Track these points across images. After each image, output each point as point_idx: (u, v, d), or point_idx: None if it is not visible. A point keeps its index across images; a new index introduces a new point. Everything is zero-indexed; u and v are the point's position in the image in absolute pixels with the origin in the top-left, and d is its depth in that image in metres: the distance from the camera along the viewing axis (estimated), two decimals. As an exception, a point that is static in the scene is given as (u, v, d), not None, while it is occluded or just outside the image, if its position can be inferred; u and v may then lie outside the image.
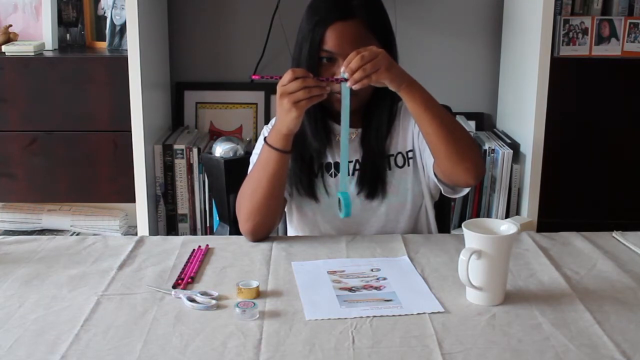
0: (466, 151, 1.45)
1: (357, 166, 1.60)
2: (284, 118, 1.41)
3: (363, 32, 1.50)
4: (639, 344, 1.09)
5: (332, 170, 1.61)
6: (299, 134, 1.49)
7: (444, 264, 1.38)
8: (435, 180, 1.56)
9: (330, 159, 1.62)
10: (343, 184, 1.45)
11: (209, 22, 2.74)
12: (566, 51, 2.37)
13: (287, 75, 1.39)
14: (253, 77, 1.51)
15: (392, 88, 1.41)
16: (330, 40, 1.49)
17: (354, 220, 1.60)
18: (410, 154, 1.61)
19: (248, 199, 1.51)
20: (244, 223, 1.51)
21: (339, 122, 1.54)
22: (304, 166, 1.60)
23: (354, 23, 1.50)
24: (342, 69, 1.40)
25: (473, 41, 2.75)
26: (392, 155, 1.61)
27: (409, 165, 1.62)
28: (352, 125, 1.47)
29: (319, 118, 1.57)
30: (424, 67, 2.71)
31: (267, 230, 1.53)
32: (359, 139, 1.61)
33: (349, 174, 1.59)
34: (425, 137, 1.47)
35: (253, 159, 1.61)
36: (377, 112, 1.59)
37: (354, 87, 1.38)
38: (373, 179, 1.59)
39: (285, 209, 1.66)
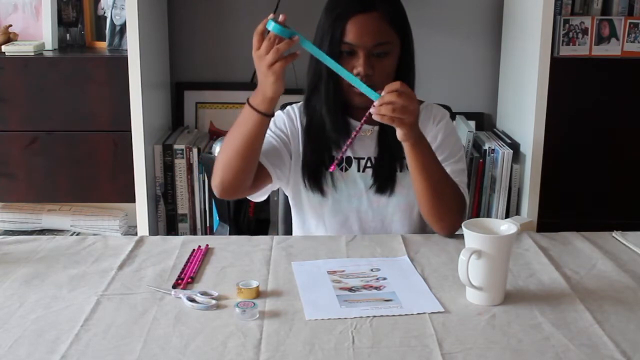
0: (446, 213, 1.52)
1: (369, 164, 1.61)
2: (264, 82, 1.41)
3: (383, 24, 1.51)
4: (639, 344, 1.09)
5: (344, 164, 1.62)
6: (318, 126, 1.51)
7: (444, 264, 1.38)
8: None
9: None
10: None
11: (209, 22, 2.74)
12: (566, 51, 2.37)
13: (254, 40, 1.38)
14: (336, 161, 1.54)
15: (399, 137, 1.44)
16: (351, 33, 1.50)
17: (358, 215, 1.61)
18: None
19: (221, 154, 1.52)
20: (213, 178, 1.54)
21: (356, 118, 1.56)
22: (317, 159, 1.61)
23: (375, 15, 1.51)
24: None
25: (473, 41, 2.75)
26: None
27: None
28: (369, 123, 1.48)
29: (339, 111, 1.58)
30: (424, 67, 2.70)
31: (234, 189, 1.53)
32: (375, 137, 1.62)
33: (358, 170, 1.62)
34: (413, 187, 1.53)
35: None
36: None
37: (374, 118, 1.40)
38: (386, 174, 1.60)
39: (294, 200, 1.67)
